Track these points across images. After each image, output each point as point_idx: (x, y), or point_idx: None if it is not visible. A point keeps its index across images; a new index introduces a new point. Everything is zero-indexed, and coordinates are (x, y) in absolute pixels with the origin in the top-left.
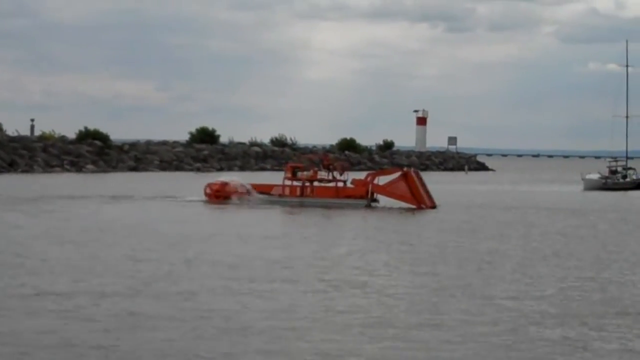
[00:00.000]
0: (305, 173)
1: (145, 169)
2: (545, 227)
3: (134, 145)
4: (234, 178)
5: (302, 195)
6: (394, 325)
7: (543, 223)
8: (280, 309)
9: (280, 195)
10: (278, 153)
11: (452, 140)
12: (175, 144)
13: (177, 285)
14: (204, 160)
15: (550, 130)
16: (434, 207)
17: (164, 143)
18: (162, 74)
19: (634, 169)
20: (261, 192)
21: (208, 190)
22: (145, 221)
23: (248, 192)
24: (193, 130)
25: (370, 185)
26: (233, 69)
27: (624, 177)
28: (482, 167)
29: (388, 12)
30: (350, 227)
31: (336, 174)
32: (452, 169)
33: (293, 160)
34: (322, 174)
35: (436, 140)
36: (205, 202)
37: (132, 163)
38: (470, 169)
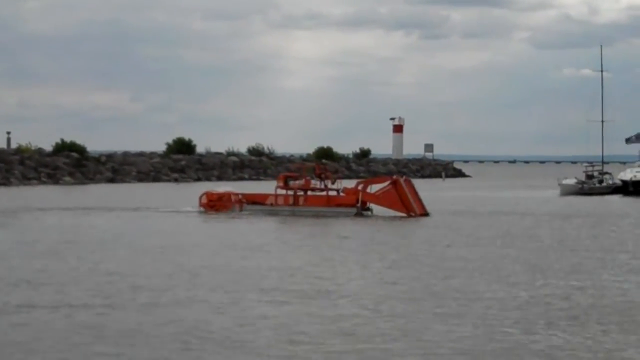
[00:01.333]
0: (297, 182)
1: (122, 180)
2: (524, 232)
3: (111, 156)
4: (228, 188)
5: (294, 204)
6: (356, 334)
7: (520, 228)
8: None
9: (272, 205)
10: (255, 162)
11: (429, 147)
12: (153, 154)
13: (138, 296)
14: (182, 170)
15: (526, 135)
16: (425, 214)
17: (141, 154)
18: (138, 84)
19: (610, 173)
20: (255, 203)
21: (204, 200)
22: (135, 232)
23: (240, 202)
24: (170, 140)
25: (360, 194)
26: (208, 79)
27: (600, 181)
28: (459, 174)
29: (362, 20)
30: (323, 236)
31: (328, 183)
32: (429, 176)
33: (271, 169)
34: (315, 183)
35: (413, 148)
36: (201, 212)
37: (109, 174)
38: (447, 176)
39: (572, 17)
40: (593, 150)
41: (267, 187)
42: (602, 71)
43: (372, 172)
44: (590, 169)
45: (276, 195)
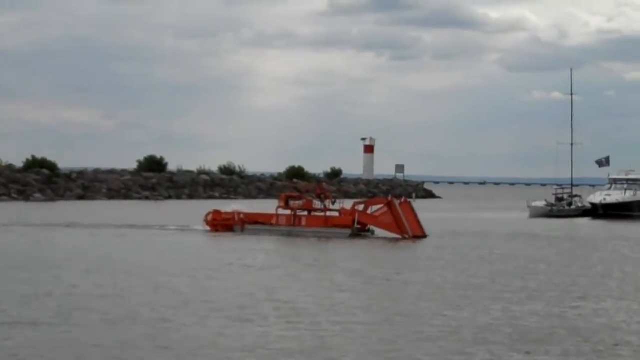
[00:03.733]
0: (297, 202)
1: (93, 198)
2: (497, 252)
3: (81, 173)
4: (237, 207)
5: (293, 224)
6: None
7: (490, 249)
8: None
9: (271, 225)
10: (227, 181)
11: (400, 168)
12: (124, 172)
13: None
14: (153, 188)
15: (496, 157)
16: (423, 236)
17: (112, 171)
18: (109, 102)
19: (579, 196)
20: (257, 222)
21: (210, 219)
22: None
23: (242, 222)
24: (141, 158)
25: (356, 215)
26: (180, 96)
27: (570, 204)
28: (429, 195)
29: (334, 40)
30: (302, 256)
31: (328, 203)
32: (399, 197)
33: (242, 188)
34: (316, 204)
35: (384, 168)
36: (208, 231)
37: (80, 191)
38: (417, 197)
39: (542, 40)
40: (563, 173)
41: (266, 206)
42: (572, 94)
43: (343, 193)
44: (560, 191)
45: (277, 216)
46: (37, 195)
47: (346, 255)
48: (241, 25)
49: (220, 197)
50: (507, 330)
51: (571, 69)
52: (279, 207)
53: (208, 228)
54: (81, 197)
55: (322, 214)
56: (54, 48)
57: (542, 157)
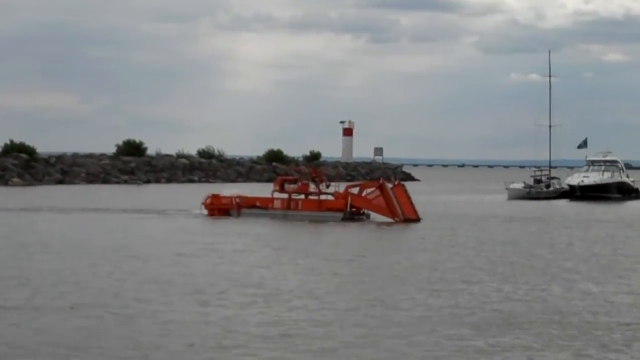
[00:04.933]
0: (292, 186)
1: (72, 182)
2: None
3: (60, 158)
4: (236, 191)
5: (288, 208)
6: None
7: (467, 232)
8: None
9: (267, 208)
10: (205, 165)
11: (378, 150)
12: (102, 156)
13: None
14: (131, 172)
15: (474, 140)
16: (416, 220)
17: (91, 156)
18: (87, 86)
19: (558, 178)
20: (253, 206)
21: (208, 202)
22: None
23: (238, 206)
24: (119, 142)
25: (349, 198)
26: (157, 80)
27: (548, 186)
28: (408, 178)
29: (312, 23)
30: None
31: (322, 187)
32: (372, 180)
33: (221, 171)
34: (312, 187)
35: (362, 151)
36: (206, 215)
37: (58, 176)
38: (396, 180)
39: (519, 23)
40: (541, 155)
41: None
42: (549, 76)
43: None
44: (538, 173)
45: (273, 199)
46: (16, 179)
47: (328, 239)
48: (218, 8)
49: (199, 181)
50: (477, 314)
51: (549, 51)
52: (274, 190)
53: (206, 212)
54: (60, 182)
55: (317, 197)
56: (30, 32)
57: (520, 139)
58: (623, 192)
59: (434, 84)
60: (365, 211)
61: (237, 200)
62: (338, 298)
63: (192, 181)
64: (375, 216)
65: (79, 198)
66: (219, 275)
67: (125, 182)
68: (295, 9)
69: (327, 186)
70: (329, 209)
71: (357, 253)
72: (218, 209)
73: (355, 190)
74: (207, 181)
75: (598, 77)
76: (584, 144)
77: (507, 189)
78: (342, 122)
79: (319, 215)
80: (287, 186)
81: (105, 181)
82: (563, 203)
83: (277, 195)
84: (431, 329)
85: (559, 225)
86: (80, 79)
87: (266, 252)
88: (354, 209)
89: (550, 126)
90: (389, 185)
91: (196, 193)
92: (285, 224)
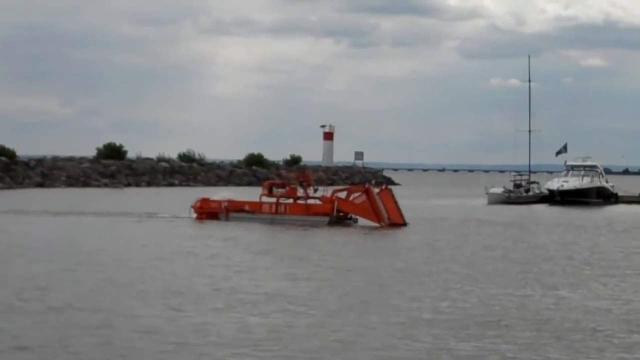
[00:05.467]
0: (280, 190)
1: (52, 185)
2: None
3: (40, 161)
4: (227, 194)
5: (276, 212)
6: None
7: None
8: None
9: (255, 213)
10: (186, 169)
11: (359, 155)
12: (82, 159)
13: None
14: (112, 176)
15: (454, 144)
16: (403, 224)
17: (71, 159)
18: (67, 89)
19: (538, 182)
20: (242, 210)
21: (197, 206)
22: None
23: (226, 210)
24: (100, 145)
25: (335, 202)
26: (138, 84)
27: (527, 190)
28: (389, 182)
29: (292, 27)
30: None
31: (310, 191)
32: (358, 184)
33: (201, 175)
34: (300, 191)
35: (343, 155)
36: (194, 219)
37: (38, 179)
38: (376, 184)
39: (499, 28)
40: (521, 160)
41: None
42: (529, 81)
43: None
44: (518, 178)
45: (261, 204)
46: None
47: (309, 243)
48: (199, 11)
49: (180, 185)
50: (454, 317)
51: (529, 56)
52: (262, 194)
53: (194, 215)
54: (40, 185)
55: (304, 201)
56: (9, 34)
57: (500, 144)
58: (602, 197)
59: (414, 88)
60: (353, 216)
61: (226, 204)
62: (316, 303)
63: (172, 185)
64: (363, 221)
65: (59, 201)
66: (198, 280)
67: (106, 185)
68: (277, 13)
69: (315, 190)
70: (316, 214)
71: (338, 258)
72: (207, 212)
73: (343, 195)
74: (188, 185)
75: (578, 82)
76: (563, 149)
77: (487, 193)
78: (322, 126)
79: (307, 220)
80: (275, 190)
81: (86, 184)
82: (542, 208)
83: (265, 199)
84: (407, 333)
85: (537, 230)
86: (61, 81)
87: (247, 257)
88: (340, 214)
89: (530, 131)
90: (376, 190)
91: (179, 197)
92: (271, 228)
